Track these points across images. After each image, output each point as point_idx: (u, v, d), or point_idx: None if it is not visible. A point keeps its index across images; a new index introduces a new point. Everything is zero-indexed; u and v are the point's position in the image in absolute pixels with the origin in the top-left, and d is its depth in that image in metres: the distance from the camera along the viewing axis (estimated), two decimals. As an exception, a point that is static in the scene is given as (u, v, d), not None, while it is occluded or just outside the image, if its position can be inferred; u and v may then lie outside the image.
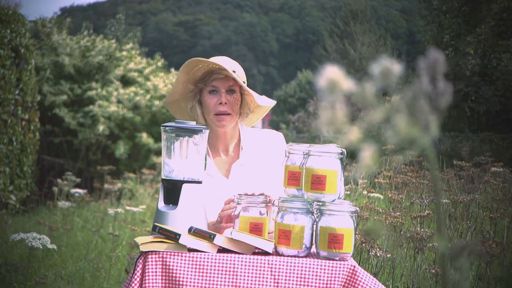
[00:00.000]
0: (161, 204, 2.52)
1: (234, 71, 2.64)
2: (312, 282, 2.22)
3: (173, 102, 2.78)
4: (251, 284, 2.24)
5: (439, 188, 0.84)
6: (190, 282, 2.24)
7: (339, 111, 0.84)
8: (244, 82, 2.68)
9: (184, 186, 2.48)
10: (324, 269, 2.23)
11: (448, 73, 12.55)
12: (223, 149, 2.76)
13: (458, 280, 0.88)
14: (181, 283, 2.23)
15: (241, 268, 2.24)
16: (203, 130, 2.54)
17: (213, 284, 2.23)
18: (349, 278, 2.23)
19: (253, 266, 2.25)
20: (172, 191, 2.50)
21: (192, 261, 2.25)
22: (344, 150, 2.36)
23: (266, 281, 2.24)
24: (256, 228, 2.41)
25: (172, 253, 2.26)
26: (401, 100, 0.83)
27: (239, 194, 2.46)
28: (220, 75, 2.65)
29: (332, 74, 0.84)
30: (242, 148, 2.74)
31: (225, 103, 2.65)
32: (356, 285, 2.22)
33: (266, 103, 2.71)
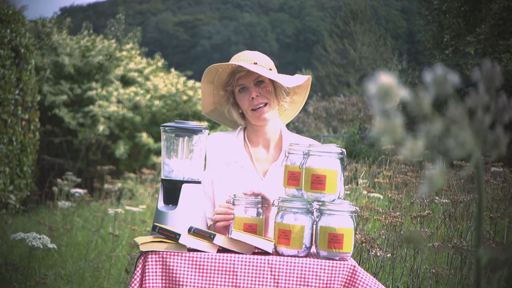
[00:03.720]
0: (161, 204, 2.52)
1: (255, 63, 2.60)
2: (312, 282, 2.22)
3: (210, 111, 2.77)
4: (251, 284, 2.23)
5: (483, 203, 0.81)
6: (190, 282, 2.24)
7: (397, 121, 0.80)
8: (270, 69, 2.63)
9: (184, 186, 2.48)
10: (324, 269, 2.23)
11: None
12: (263, 144, 2.72)
13: None
14: (181, 283, 2.23)
15: (241, 268, 2.24)
16: (203, 130, 2.54)
17: (213, 284, 2.23)
18: (349, 278, 2.23)
19: (253, 266, 2.24)
20: (172, 191, 2.50)
21: (192, 261, 2.25)
22: (344, 150, 2.36)
23: (266, 281, 2.23)
24: (250, 229, 2.41)
25: (172, 253, 2.26)
26: (458, 111, 0.79)
27: (234, 195, 2.46)
28: (242, 72, 2.62)
29: (385, 81, 0.80)
30: (282, 150, 2.68)
31: (257, 96, 2.61)
32: (356, 285, 2.22)
33: (295, 83, 2.62)
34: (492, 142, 0.78)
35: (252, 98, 2.61)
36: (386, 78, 0.81)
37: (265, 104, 2.62)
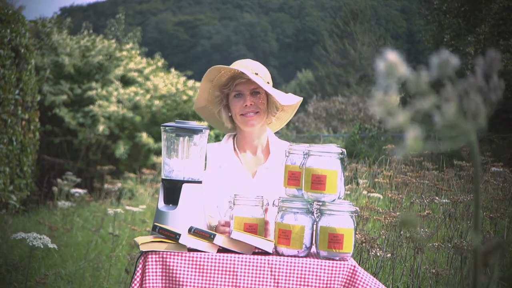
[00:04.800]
0: (161, 204, 2.52)
1: (256, 73, 2.69)
2: (312, 282, 2.22)
3: (201, 108, 2.86)
4: (251, 284, 2.24)
5: (479, 180, 0.87)
6: (190, 282, 2.24)
7: (392, 94, 0.87)
8: (268, 83, 2.73)
9: (184, 186, 2.48)
10: (324, 269, 2.23)
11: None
12: (251, 150, 2.81)
13: (488, 280, 0.90)
14: (181, 283, 2.23)
15: (241, 268, 2.24)
16: (203, 130, 2.54)
17: (213, 284, 2.24)
18: (349, 278, 2.23)
19: (253, 266, 2.25)
20: (172, 191, 2.50)
21: (192, 261, 2.25)
22: (344, 150, 2.36)
23: (266, 281, 2.24)
24: (250, 229, 2.41)
25: (172, 253, 2.26)
26: (453, 91, 0.85)
27: (235, 195, 2.47)
28: (243, 79, 2.71)
29: (392, 58, 0.87)
30: (270, 153, 2.78)
31: (250, 105, 2.71)
32: (356, 285, 2.22)
33: (289, 102, 2.72)
34: (472, 116, 0.83)
35: (246, 105, 2.70)
36: (392, 56, 0.87)
37: (256, 113, 2.72)
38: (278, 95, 2.69)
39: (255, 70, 2.71)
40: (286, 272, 2.24)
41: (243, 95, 2.72)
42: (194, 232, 2.32)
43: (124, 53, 11.49)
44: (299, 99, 2.77)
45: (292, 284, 2.23)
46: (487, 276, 0.90)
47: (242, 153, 2.81)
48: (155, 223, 2.39)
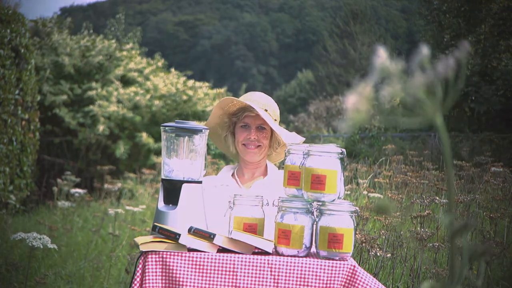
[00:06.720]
0: (161, 204, 2.52)
1: (266, 110, 2.79)
2: (312, 282, 2.22)
3: (211, 133, 2.94)
4: (251, 284, 2.24)
5: (450, 156, 0.90)
6: (190, 282, 2.24)
7: (368, 84, 0.92)
8: (275, 120, 2.84)
9: (184, 186, 2.48)
10: (324, 269, 2.23)
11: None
12: (248, 175, 2.90)
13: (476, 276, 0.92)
14: (181, 283, 2.23)
15: (241, 268, 2.24)
16: (203, 130, 2.54)
17: (213, 284, 2.24)
18: (349, 278, 2.23)
19: (253, 266, 2.25)
20: (172, 191, 2.50)
21: (192, 261, 2.25)
22: (344, 150, 2.36)
23: (266, 281, 2.24)
24: (250, 229, 2.42)
25: (172, 253, 2.26)
26: (421, 75, 0.90)
27: (234, 194, 2.48)
28: (252, 113, 2.81)
29: (382, 55, 0.92)
30: (268, 175, 2.88)
31: (255, 138, 2.82)
32: (356, 285, 2.22)
33: (292, 141, 2.80)
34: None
35: (249, 138, 2.82)
36: (382, 53, 0.93)
37: (257, 146, 2.83)
38: (283, 134, 2.80)
39: (265, 107, 2.81)
40: (286, 272, 2.24)
41: (249, 127, 2.83)
42: (194, 232, 2.32)
43: (124, 53, 11.49)
44: (301, 140, 2.85)
45: (292, 284, 2.23)
46: (463, 264, 0.92)
47: (240, 177, 2.90)
48: (155, 223, 2.39)
